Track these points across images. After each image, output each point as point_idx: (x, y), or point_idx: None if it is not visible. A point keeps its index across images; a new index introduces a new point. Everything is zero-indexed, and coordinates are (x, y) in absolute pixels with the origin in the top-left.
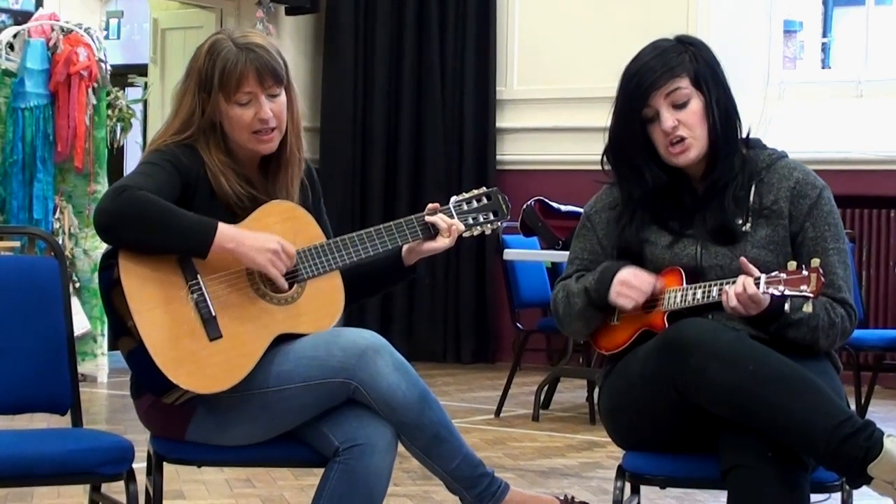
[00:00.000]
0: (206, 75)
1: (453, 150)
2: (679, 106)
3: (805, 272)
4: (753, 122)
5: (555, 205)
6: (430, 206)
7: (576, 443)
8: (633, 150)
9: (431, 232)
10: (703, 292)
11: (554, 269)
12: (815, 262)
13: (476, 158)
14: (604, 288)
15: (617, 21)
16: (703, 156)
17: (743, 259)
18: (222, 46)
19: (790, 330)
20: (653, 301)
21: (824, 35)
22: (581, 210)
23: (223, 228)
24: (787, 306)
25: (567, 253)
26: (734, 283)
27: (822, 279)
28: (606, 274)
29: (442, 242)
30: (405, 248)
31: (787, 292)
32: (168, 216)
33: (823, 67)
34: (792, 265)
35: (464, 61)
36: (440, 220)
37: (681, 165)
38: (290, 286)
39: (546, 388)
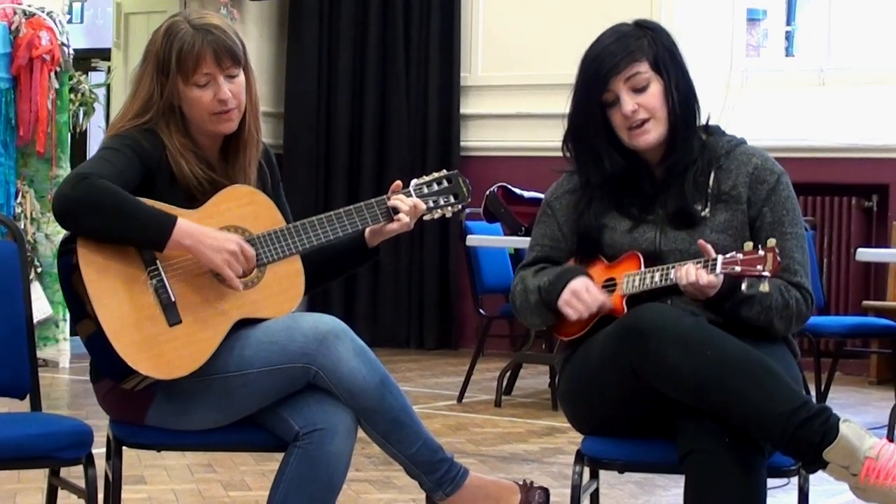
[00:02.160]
0: (163, 58)
1: (417, 136)
2: (639, 90)
3: (761, 252)
4: (717, 109)
5: (518, 191)
6: (393, 184)
7: (537, 428)
8: (592, 135)
9: (392, 214)
10: (661, 275)
11: (517, 255)
12: (771, 241)
13: (440, 144)
14: (555, 291)
15: (581, 7)
16: (663, 139)
17: (701, 241)
18: (179, 28)
19: (743, 308)
20: (611, 284)
21: (788, 23)
22: (544, 196)
23: (182, 224)
24: (743, 286)
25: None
26: (687, 263)
27: (779, 259)
28: (561, 279)
29: (403, 220)
30: (368, 230)
31: (743, 272)
32: (127, 207)
33: (787, 55)
34: (748, 246)
35: (428, 47)
36: (401, 201)
37: (641, 148)
38: (249, 273)
39: (508, 374)
